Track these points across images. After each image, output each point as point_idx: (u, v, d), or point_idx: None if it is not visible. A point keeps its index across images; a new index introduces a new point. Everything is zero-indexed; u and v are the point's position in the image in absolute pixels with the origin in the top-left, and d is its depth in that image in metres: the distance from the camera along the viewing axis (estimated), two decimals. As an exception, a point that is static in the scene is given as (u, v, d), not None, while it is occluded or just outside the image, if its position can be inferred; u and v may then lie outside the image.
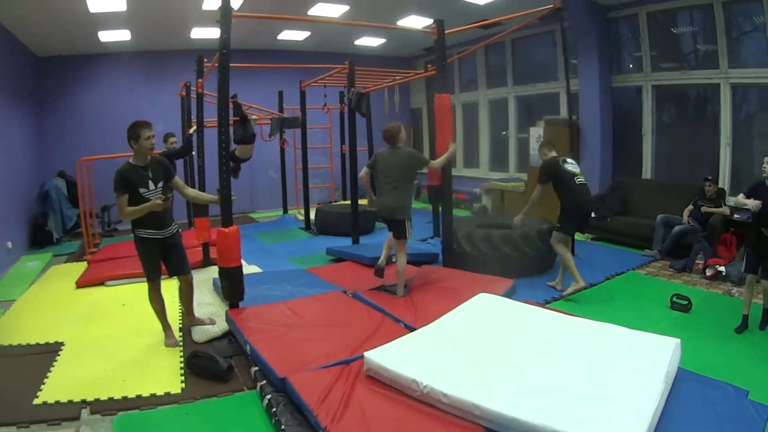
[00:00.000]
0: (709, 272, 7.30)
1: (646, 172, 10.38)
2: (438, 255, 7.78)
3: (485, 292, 5.40)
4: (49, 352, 5.14)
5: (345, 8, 10.41)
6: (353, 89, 9.05)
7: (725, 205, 8.12)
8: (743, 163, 8.98)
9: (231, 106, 8.10)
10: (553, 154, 6.92)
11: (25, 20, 9.40)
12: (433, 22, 7.24)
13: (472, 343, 4.21)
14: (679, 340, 3.98)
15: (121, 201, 4.83)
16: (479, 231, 7.52)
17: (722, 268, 7.24)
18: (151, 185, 4.97)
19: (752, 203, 5.09)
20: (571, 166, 6.80)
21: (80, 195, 9.77)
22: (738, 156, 8.98)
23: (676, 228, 8.29)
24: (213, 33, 5.02)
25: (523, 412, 3.12)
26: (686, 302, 6.02)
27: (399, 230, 6.23)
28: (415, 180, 6.46)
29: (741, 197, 5.32)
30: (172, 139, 8.60)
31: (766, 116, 8.50)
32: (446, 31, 7.18)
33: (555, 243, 6.85)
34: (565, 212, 6.75)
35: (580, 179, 6.72)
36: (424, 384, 3.53)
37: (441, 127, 6.90)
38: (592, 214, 8.51)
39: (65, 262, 9.32)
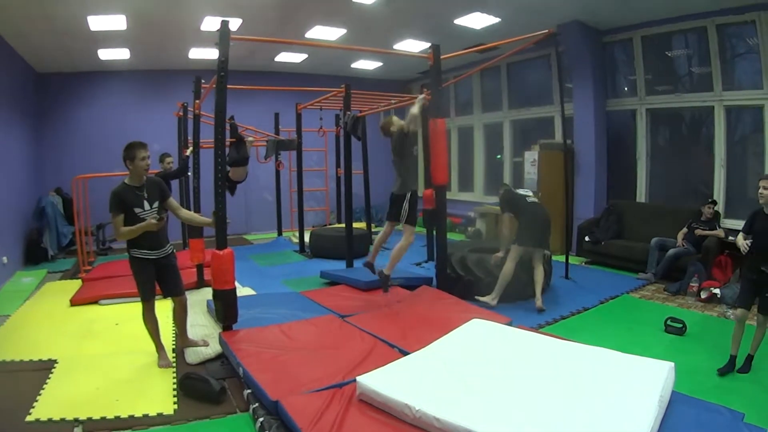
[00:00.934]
0: (704, 295, 7.31)
1: (641, 196, 10.42)
2: (432, 279, 7.77)
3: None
4: (43, 369, 5.11)
5: (342, 31, 10.50)
6: (349, 113, 9.09)
7: (720, 227, 8.18)
8: (738, 185, 9.05)
9: (227, 127, 8.17)
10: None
11: (27, 37, 9.49)
12: (429, 47, 7.28)
13: (465, 367, 4.19)
14: (672, 364, 3.98)
15: (117, 221, 4.85)
16: (473, 255, 7.54)
17: (717, 291, 7.26)
18: (146, 205, 5.00)
19: (741, 244, 4.93)
20: (522, 191, 7.46)
21: (76, 212, 9.73)
22: (732, 177, 9.06)
23: (671, 251, 8.33)
24: (211, 53, 5.07)
25: (516, 437, 3.10)
26: (681, 325, 6.02)
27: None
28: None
29: (740, 238, 5.05)
30: (168, 159, 8.61)
31: (760, 136, 8.54)
32: (442, 56, 7.22)
33: (509, 257, 7.05)
34: (520, 228, 7.10)
35: (531, 198, 7.29)
36: (417, 408, 3.50)
37: (435, 151, 6.92)
38: (586, 238, 8.58)
39: (60, 279, 9.32)
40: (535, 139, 11.48)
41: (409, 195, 6.56)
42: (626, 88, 10.74)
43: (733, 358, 5.01)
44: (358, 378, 3.98)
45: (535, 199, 7.35)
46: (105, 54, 11.22)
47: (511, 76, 13.20)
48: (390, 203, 6.71)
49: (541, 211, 7.27)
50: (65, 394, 4.56)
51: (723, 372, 4.95)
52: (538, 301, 6.95)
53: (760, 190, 4.88)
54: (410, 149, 6.65)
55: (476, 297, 7.04)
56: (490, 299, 6.98)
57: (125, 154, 4.93)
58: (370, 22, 9.96)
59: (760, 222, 4.92)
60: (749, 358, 4.97)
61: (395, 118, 6.73)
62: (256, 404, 4.19)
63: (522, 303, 7.16)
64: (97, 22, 8.98)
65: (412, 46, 11.44)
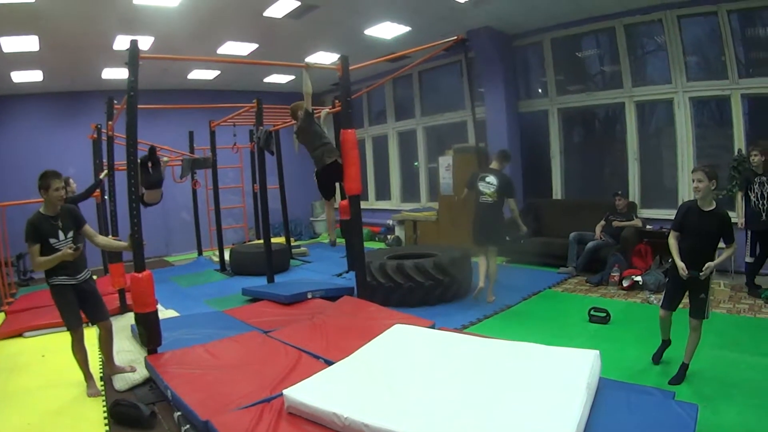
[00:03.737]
0: (625, 283, 7.56)
1: (557, 193, 10.73)
2: (353, 289, 7.73)
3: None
4: (-31, 406, 4.92)
5: (254, 46, 10.47)
6: (261, 128, 8.99)
7: (637, 217, 8.43)
8: (652, 176, 9.46)
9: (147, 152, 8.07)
10: (492, 167, 7.58)
11: None
12: (338, 59, 7.28)
13: (391, 372, 4.18)
14: (597, 351, 4.04)
15: (33, 251, 4.79)
16: (392, 262, 7.57)
17: (639, 278, 7.52)
18: (61, 235, 4.93)
19: (680, 268, 4.51)
20: (484, 185, 7.31)
21: (-6, 242, 9.36)
22: (647, 169, 9.45)
23: (590, 244, 8.57)
24: (124, 73, 4.96)
25: (446, 436, 3.07)
26: (604, 314, 6.19)
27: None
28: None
29: (674, 243, 4.67)
30: (73, 186, 8.39)
31: (672, 129, 8.92)
32: (351, 67, 7.23)
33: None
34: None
35: (484, 198, 7.29)
36: (345, 416, 3.47)
37: (347, 161, 6.90)
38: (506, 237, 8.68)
39: (-19, 313, 8.93)
40: (448, 144, 11.67)
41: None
42: (540, 90, 11.01)
43: (665, 342, 5.00)
44: (285, 391, 3.94)
45: (489, 199, 7.29)
46: (18, 76, 10.97)
47: (423, 84, 13.40)
48: (318, 185, 6.90)
49: (482, 212, 7.36)
50: (-4, 431, 4.41)
51: (657, 358, 4.99)
52: (490, 296, 7.30)
53: (694, 184, 4.52)
54: (317, 126, 6.85)
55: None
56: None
57: (39, 183, 4.87)
58: (282, 35, 9.98)
59: (693, 218, 4.57)
60: (684, 367, 4.66)
61: (302, 102, 6.80)
62: (187, 426, 4.13)
63: (443, 306, 7.30)
64: (9, 43, 8.83)
65: (324, 58, 11.46)
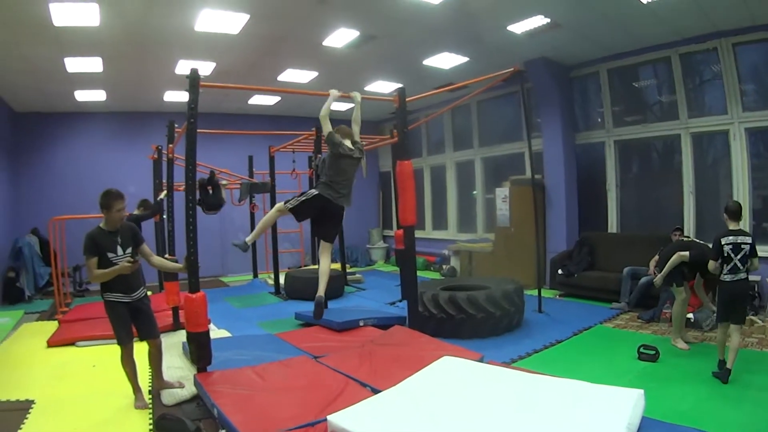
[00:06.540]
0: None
1: (612, 226, 10.58)
2: (405, 318, 7.73)
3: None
4: (20, 409, 5.08)
5: (314, 74, 10.69)
6: (320, 155, 9.13)
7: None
8: (709, 209, 9.26)
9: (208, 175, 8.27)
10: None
11: (3, 76, 9.62)
12: (395, 90, 7.36)
13: (437, 405, 4.17)
14: (641, 391, 3.98)
15: (90, 263, 4.90)
16: (444, 293, 7.55)
17: (690, 315, 7.31)
18: (120, 250, 5.05)
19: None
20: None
21: (52, 253, 9.70)
22: (703, 201, 9.30)
23: (643, 279, 8.41)
24: (186, 96, 5.12)
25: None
26: (654, 352, 6.08)
27: None
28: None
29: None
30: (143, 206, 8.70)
31: (728, 160, 8.81)
32: (408, 98, 7.29)
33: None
34: None
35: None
36: (388, 445, 3.49)
37: (403, 192, 6.97)
38: (559, 271, 8.61)
39: (37, 320, 9.28)
40: (506, 176, 11.62)
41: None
42: (600, 120, 10.92)
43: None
44: (330, 417, 3.96)
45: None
46: (81, 95, 11.37)
47: (481, 114, 13.43)
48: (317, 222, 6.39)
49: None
50: (43, 434, 4.51)
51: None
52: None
53: None
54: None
55: None
56: None
57: (102, 202, 5.01)
58: (341, 64, 10.17)
59: None
60: (727, 370, 5.24)
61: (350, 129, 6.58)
62: (231, 444, 4.16)
63: (493, 339, 7.23)
64: (74, 64, 9.16)
65: (383, 87, 11.62)
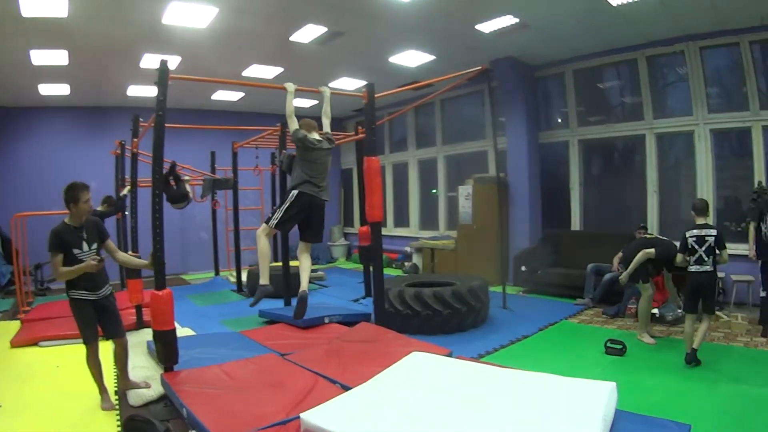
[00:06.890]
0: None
1: (575, 224, 10.71)
2: (370, 315, 7.72)
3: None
4: (-17, 412, 4.95)
5: (279, 70, 10.62)
6: (284, 151, 9.08)
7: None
8: (671, 208, 9.45)
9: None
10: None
11: None
12: (364, 86, 7.35)
13: (408, 399, 4.16)
14: (614, 383, 3.99)
15: (56, 260, 4.79)
16: (410, 289, 7.55)
17: (656, 310, 7.43)
18: (85, 246, 4.95)
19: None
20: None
21: (15, 251, 9.53)
22: (666, 200, 9.46)
23: (607, 275, 8.54)
24: (149, 91, 5.01)
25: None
26: (621, 346, 6.17)
27: None
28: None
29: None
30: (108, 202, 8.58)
31: (692, 161, 9.00)
32: (377, 95, 7.29)
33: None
34: None
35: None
36: (362, 441, 3.46)
37: (370, 188, 6.96)
38: (523, 267, 8.66)
39: (-1, 320, 9.06)
40: (468, 174, 11.66)
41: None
42: (560, 120, 11.07)
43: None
44: (302, 414, 3.93)
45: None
46: (45, 89, 11.19)
47: (445, 112, 13.49)
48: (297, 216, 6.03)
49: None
50: (8, 438, 4.40)
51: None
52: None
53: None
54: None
55: None
56: None
57: (68, 196, 4.88)
58: (307, 60, 10.13)
59: None
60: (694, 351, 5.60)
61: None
62: (201, 444, 4.10)
63: (459, 335, 7.26)
64: (39, 57, 9.00)
65: (348, 83, 11.60)
